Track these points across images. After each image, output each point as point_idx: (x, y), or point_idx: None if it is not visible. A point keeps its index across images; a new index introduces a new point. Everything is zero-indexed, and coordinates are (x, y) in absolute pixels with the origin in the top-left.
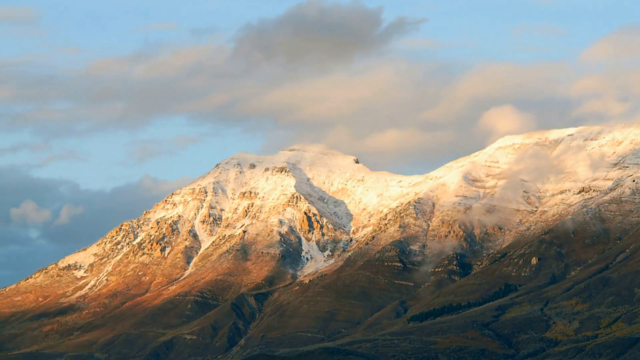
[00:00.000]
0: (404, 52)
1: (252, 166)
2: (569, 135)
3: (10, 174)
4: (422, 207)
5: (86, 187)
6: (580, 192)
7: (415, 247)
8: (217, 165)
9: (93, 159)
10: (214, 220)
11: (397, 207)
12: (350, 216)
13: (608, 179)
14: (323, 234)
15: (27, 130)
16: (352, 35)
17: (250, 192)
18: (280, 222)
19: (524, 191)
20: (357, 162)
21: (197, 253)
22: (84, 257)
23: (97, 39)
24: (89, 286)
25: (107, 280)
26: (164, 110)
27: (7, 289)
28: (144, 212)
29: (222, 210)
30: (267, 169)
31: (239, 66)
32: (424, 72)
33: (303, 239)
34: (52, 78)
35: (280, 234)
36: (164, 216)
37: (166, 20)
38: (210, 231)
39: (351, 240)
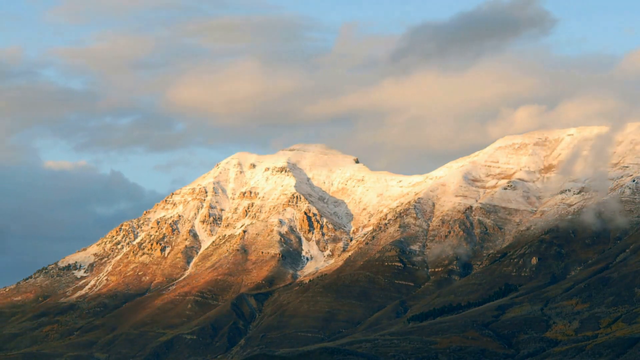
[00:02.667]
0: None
1: (252, 166)
2: (569, 135)
3: None
4: (422, 207)
5: None
6: (580, 192)
7: (415, 247)
8: (217, 165)
9: None
10: (214, 220)
11: (397, 207)
12: (350, 216)
13: (608, 179)
14: (323, 234)
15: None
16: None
17: (250, 192)
18: (280, 222)
19: (524, 191)
20: (357, 162)
21: (197, 253)
22: (84, 257)
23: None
24: (89, 286)
25: (107, 280)
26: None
27: (7, 289)
28: (144, 212)
29: (222, 210)
30: (267, 169)
31: (406, 62)
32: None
33: (303, 238)
34: None
35: (280, 234)
36: (164, 216)
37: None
38: (210, 231)
39: (351, 240)
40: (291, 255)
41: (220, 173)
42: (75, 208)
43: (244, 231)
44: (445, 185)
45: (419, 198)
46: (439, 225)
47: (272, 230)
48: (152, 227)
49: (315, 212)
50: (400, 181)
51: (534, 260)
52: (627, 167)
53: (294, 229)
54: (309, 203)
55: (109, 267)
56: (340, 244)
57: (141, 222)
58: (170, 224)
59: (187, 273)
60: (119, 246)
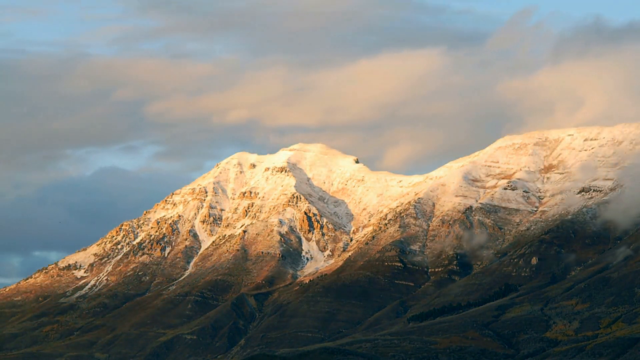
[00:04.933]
0: None
1: (253, 166)
2: (569, 135)
3: None
4: (422, 207)
5: None
6: (580, 192)
7: (415, 247)
8: (218, 164)
9: None
10: (214, 220)
11: (397, 207)
12: (350, 216)
13: (608, 179)
14: (323, 234)
15: None
16: None
17: (251, 192)
18: (281, 222)
19: (524, 191)
20: (357, 162)
21: (197, 253)
22: (84, 257)
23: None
24: (89, 286)
25: (107, 280)
26: None
27: (7, 289)
28: (144, 212)
29: (222, 210)
30: (267, 169)
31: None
32: None
33: (303, 239)
34: None
35: (280, 234)
36: (164, 216)
37: None
38: (210, 231)
39: (351, 240)
40: (291, 255)
41: (221, 173)
42: None
43: (244, 231)
44: (445, 185)
45: (419, 198)
46: (439, 225)
47: (272, 230)
48: (152, 227)
49: (315, 212)
50: (400, 181)
51: (534, 260)
52: (627, 167)
53: (294, 229)
54: (309, 203)
55: (109, 267)
56: (340, 244)
57: (141, 222)
58: (170, 224)
59: (187, 273)
60: (119, 246)
